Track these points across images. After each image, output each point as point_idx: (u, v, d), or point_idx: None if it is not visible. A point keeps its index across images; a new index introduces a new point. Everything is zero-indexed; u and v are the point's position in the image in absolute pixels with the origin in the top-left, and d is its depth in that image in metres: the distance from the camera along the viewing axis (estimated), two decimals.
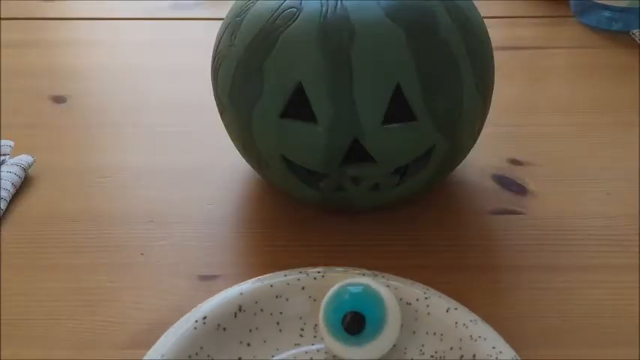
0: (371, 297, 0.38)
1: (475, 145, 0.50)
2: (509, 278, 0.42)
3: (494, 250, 0.47)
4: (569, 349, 0.40)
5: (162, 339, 0.38)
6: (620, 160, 0.55)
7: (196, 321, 0.38)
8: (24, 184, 0.53)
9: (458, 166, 0.50)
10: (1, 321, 0.42)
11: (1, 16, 0.78)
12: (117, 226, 0.49)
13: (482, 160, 0.55)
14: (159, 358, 0.36)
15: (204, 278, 0.45)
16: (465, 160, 0.50)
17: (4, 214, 0.50)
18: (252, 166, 0.50)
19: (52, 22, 0.79)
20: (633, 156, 0.55)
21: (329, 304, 0.38)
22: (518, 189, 0.52)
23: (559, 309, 0.42)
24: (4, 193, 0.50)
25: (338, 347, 0.38)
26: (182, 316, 0.42)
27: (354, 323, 0.37)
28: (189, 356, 0.37)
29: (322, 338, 0.39)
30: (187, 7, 0.81)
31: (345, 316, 0.37)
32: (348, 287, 0.38)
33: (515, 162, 0.55)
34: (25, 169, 0.53)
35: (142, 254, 0.47)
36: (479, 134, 0.49)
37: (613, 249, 0.47)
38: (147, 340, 0.41)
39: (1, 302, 0.44)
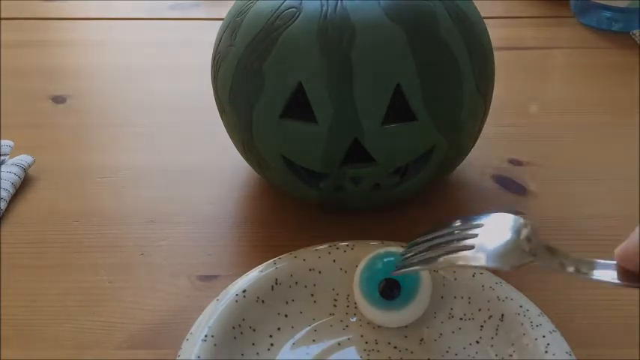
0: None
1: (475, 145, 0.50)
2: (508, 278, 0.42)
3: None
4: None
5: (206, 311, 0.39)
6: (620, 160, 0.55)
7: (237, 294, 0.40)
8: (24, 184, 0.53)
9: (458, 166, 0.50)
10: (2, 321, 0.42)
11: (1, 16, 0.78)
12: (117, 226, 0.49)
13: (482, 160, 0.55)
14: (206, 327, 0.38)
15: (204, 278, 0.45)
16: (465, 160, 0.50)
17: (4, 214, 0.50)
18: (252, 166, 0.50)
19: (52, 22, 0.79)
20: (633, 156, 0.55)
21: (363, 272, 0.40)
22: (518, 189, 0.52)
23: (559, 309, 0.42)
24: (4, 193, 0.50)
25: (374, 313, 0.40)
26: (182, 316, 0.42)
27: (390, 288, 0.39)
28: (233, 327, 0.39)
29: (356, 307, 0.41)
30: (187, 7, 0.81)
31: (380, 282, 0.39)
32: (382, 257, 0.40)
33: (515, 162, 0.55)
34: (25, 169, 0.53)
35: (141, 254, 0.47)
36: (479, 134, 0.49)
37: (613, 249, 0.47)
38: (147, 340, 0.41)
39: (2, 302, 0.44)
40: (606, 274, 0.30)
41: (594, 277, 0.30)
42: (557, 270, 0.32)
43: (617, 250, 0.29)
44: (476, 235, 0.35)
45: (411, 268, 0.38)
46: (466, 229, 0.36)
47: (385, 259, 0.40)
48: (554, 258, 0.32)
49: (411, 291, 0.40)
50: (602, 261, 0.30)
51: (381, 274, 0.40)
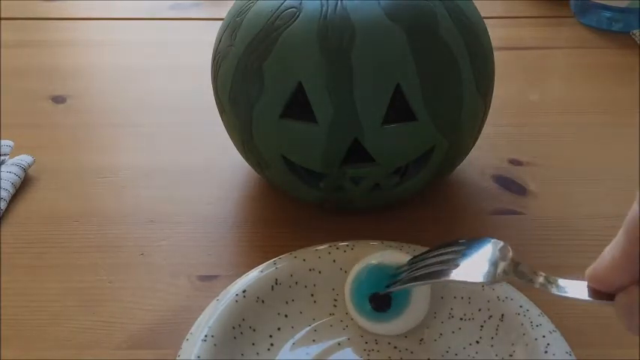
0: (396, 277, 0.39)
1: (475, 145, 0.50)
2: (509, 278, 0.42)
3: None
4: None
5: (206, 311, 0.39)
6: (620, 160, 0.55)
7: (237, 294, 0.40)
8: (24, 184, 0.53)
9: (458, 166, 0.50)
10: (2, 321, 0.42)
11: (1, 16, 0.78)
12: (117, 226, 0.49)
13: (482, 160, 0.55)
14: (206, 327, 0.38)
15: (204, 278, 0.45)
16: (465, 160, 0.50)
17: (4, 214, 0.50)
18: (252, 166, 0.50)
19: (52, 22, 0.79)
20: (633, 156, 0.55)
21: (354, 283, 0.40)
22: (518, 189, 0.52)
23: (559, 309, 0.42)
24: (4, 193, 0.50)
25: (367, 325, 0.40)
26: (182, 316, 0.42)
27: (381, 301, 0.39)
28: (233, 327, 0.39)
29: (351, 318, 0.41)
30: (187, 7, 0.81)
31: (371, 295, 0.39)
32: (373, 267, 0.40)
33: (515, 162, 0.55)
34: (25, 169, 0.53)
35: (141, 254, 0.47)
36: (479, 134, 0.49)
37: None
38: (147, 340, 0.41)
39: (2, 302, 0.44)
40: (578, 292, 0.32)
41: (567, 295, 0.32)
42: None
43: (588, 271, 0.31)
44: (458, 266, 0.36)
45: (402, 286, 0.38)
46: (448, 254, 0.38)
47: (378, 271, 0.40)
48: (529, 283, 0.34)
49: (402, 302, 0.39)
50: (574, 281, 0.32)
51: (366, 287, 0.40)
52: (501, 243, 0.36)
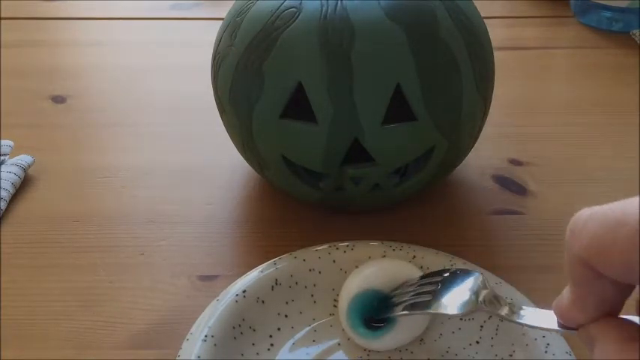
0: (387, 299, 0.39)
1: (475, 145, 0.50)
2: (509, 278, 0.42)
3: (495, 250, 0.47)
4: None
5: (206, 311, 0.39)
6: (620, 160, 0.55)
7: (237, 294, 0.40)
8: (24, 184, 0.53)
9: (458, 166, 0.50)
10: (2, 321, 0.42)
11: (1, 16, 0.78)
12: (117, 226, 0.49)
13: (482, 160, 0.55)
14: (206, 327, 0.38)
15: (204, 278, 0.45)
16: (465, 160, 0.50)
17: (4, 214, 0.50)
18: (252, 166, 0.50)
19: (52, 22, 0.79)
20: (633, 156, 0.55)
21: (348, 310, 0.40)
22: (518, 189, 0.52)
23: None
24: (4, 193, 0.50)
25: (365, 343, 0.40)
26: (182, 316, 0.42)
27: (374, 322, 0.39)
28: (233, 327, 0.39)
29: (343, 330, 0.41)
30: (187, 7, 0.81)
31: (364, 319, 0.39)
32: (366, 292, 0.40)
33: (515, 162, 0.55)
34: (24, 169, 0.53)
35: (142, 254, 0.47)
36: (479, 134, 0.49)
37: None
38: (147, 340, 0.41)
39: (2, 302, 0.44)
40: (546, 322, 0.32)
41: (535, 325, 0.33)
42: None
43: (553, 305, 0.31)
44: (438, 297, 0.37)
45: (389, 315, 0.39)
46: (427, 284, 0.38)
47: (364, 295, 0.40)
48: (503, 310, 0.34)
49: (394, 320, 0.39)
50: (543, 310, 0.33)
51: (360, 310, 0.39)
52: (480, 276, 0.36)
